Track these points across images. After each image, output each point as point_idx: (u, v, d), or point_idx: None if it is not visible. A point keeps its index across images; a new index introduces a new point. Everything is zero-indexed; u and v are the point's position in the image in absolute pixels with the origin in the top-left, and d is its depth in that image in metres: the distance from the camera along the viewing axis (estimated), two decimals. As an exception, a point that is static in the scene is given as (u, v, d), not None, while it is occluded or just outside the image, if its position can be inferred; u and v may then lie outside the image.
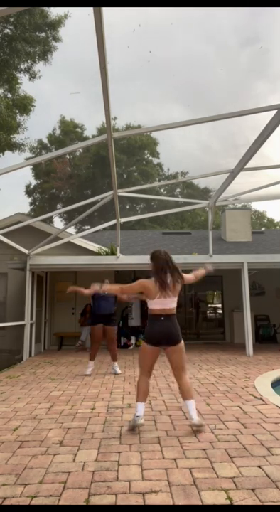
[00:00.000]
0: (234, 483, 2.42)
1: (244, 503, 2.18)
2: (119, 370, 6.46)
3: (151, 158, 32.43)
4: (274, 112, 4.79)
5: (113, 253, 10.02)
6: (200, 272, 3.92)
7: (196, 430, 3.40)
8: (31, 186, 31.15)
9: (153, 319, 3.58)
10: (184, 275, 3.71)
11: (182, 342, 3.58)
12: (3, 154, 15.00)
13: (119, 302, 6.80)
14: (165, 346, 3.55)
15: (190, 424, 3.49)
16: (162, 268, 3.57)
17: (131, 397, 4.77)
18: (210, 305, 13.34)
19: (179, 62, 45.34)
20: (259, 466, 2.65)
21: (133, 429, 3.45)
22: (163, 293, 3.53)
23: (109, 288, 3.92)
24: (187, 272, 3.85)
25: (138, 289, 3.73)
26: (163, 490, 2.33)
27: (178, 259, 8.93)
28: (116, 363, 6.52)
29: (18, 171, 5.69)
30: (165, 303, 3.55)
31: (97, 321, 6.49)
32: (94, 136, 28.49)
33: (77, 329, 10.49)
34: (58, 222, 33.07)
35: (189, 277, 3.80)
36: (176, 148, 46.20)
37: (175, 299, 3.62)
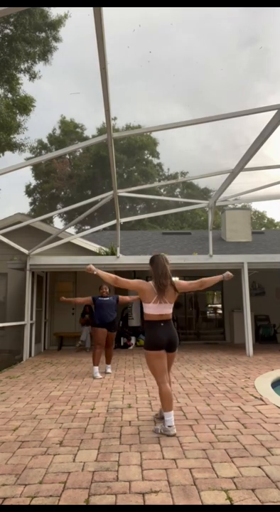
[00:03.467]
0: (234, 483, 2.41)
1: (244, 503, 2.18)
2: (110, 371, 6.64)
3: (151, 158, 32.44)
4: (274, 111, 4.79)
5: (113, 253, 10.02)
6: (214, 278, 3.66)
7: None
8: (31, 186, 31.15)
9: (153, 325, 3.53)
10: (181, 282, 3.65)
11: None
12: (3, 154, 14.98)
13: (120, 304, 6.84)
14: (166, 351, 3.52)
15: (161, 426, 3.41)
16: (161, 273, 3.52)
17: (131, 397, 4.77)
18: (209, 305, 13.33)
19: (179, 62, 45.36)
20: (259, 466, 2.65)
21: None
22: (161, 298, 3.49)
23: (103, 275, 3.76)
24: (191, 277, 3.79)
25: (133, 287, 3.67)
26: (163, 490, 2.33)
27: (178, 259, 9.04)
28: (109, 365, 6.70)
29: (18, 171, 5.69)
30: (162, 308, 3.51)
31: (101, 326, 6.48)
32: (94, 136, 28.51)
33: (77, 329, 10.49)
34: (58, 222, 33.08)
35: (186, 285, 3.67)
36: (176, 149, 46.18)
37: (172, 305, 3.59)
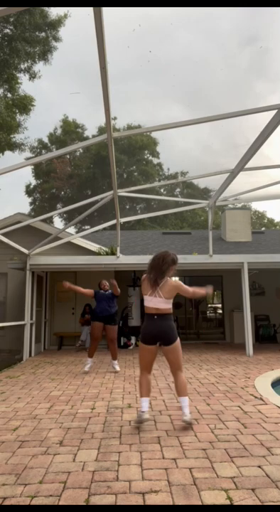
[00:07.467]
0: (234, 483, 2.42)
1: (244, 503, 2.18)
2: (118, 368, 6.66)
3: (151, 158, 32.44)
4: (274, 111, 4.78)
5: (113, 253, 10.02)
6: (200, 292, 3.75)
7: (184, 427, 3.48)
8: (31, 186, 31.15)
9: (148, 318, 3.67)
10: (180, 286, 3.65)
11: (176, 341, 3.60)
12: (3, 154, 14.99)
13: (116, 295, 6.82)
14: (161, 345, 3.62)
15: (182, 420, 3.53)
16: (151, 267, 3.67)
17: (131, 397, 4.77)
18: (209, 305, 13.34)
19: (179, 61, 45.35)
20: (259, 466, 2.65)
21: (140, 423, 3.52)
22: (154, 291, 3.60)
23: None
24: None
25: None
26: (163, 490, 2.33)
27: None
28: (116, 362, 6.71)
29: (18, 171, 5.69)
30: (157, 302, 3.60)
31: (98, 319, 6.60)
32: (94, 136, 28.49)
33: (77, 329, 10.49)
34: (58, 222, 33.08)
35: (185, 290, 3.69)
36: (176, 148, 46.19)
37: (169, 301, 3.63)
